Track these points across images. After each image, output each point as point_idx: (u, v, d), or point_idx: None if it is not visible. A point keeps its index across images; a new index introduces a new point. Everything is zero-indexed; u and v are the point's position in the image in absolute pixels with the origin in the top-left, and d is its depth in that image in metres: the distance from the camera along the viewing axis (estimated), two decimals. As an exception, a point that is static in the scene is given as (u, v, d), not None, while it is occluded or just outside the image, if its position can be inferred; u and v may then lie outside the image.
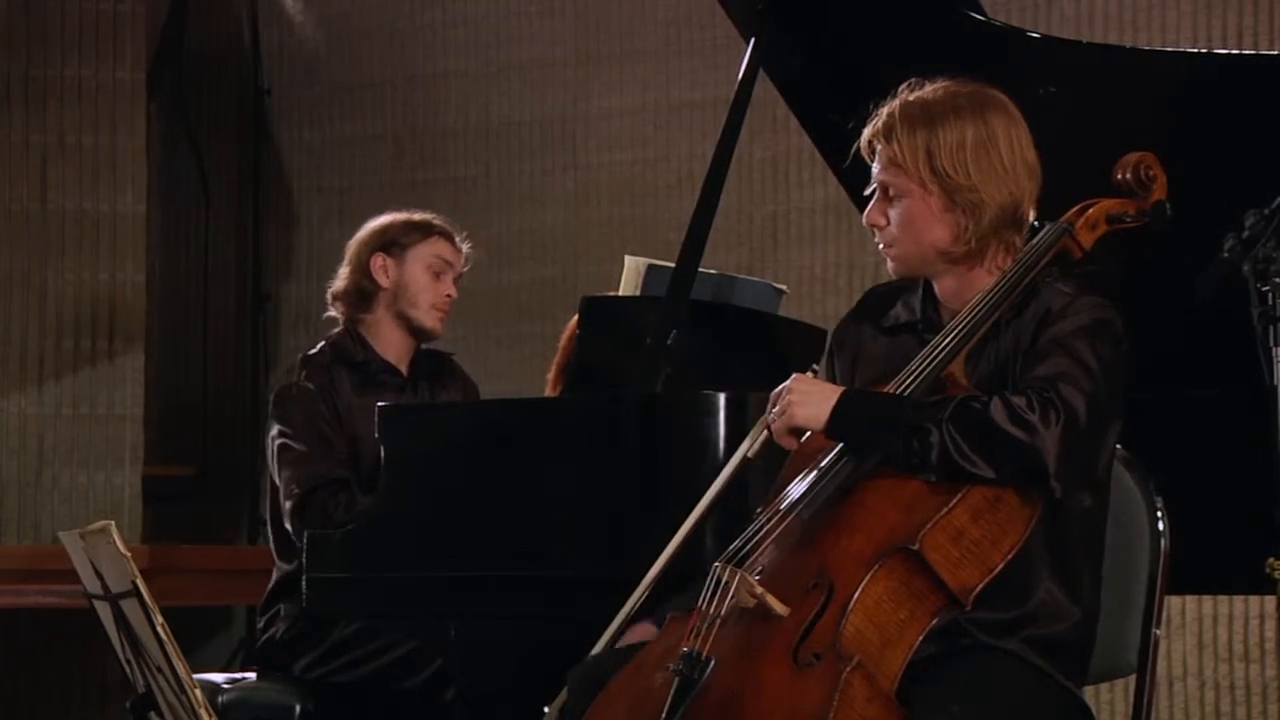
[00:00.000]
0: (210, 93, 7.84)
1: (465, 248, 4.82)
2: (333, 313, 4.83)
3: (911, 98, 3.22)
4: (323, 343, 4.79)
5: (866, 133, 3.25)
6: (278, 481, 4.63)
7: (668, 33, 7.11)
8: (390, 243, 4.74)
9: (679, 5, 7.06)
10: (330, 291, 4.82)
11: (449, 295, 4.76)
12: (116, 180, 7.18)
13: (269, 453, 4.68)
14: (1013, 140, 3.19)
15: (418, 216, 4.81)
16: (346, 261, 4.80)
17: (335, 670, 4.59)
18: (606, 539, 3.90)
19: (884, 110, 3.23)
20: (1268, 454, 3.12)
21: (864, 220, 3.28)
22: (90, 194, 7.16)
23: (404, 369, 4.78)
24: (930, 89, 3.23)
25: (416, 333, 4.76)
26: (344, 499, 4.50)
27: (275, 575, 4.72)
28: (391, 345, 4.76)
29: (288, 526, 4.58)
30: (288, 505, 4.56)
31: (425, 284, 4.74)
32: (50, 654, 7.16)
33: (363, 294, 4.76)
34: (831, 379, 3.37)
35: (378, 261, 4.73)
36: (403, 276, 4.73)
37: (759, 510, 3.19)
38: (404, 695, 4.57)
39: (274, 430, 4.66)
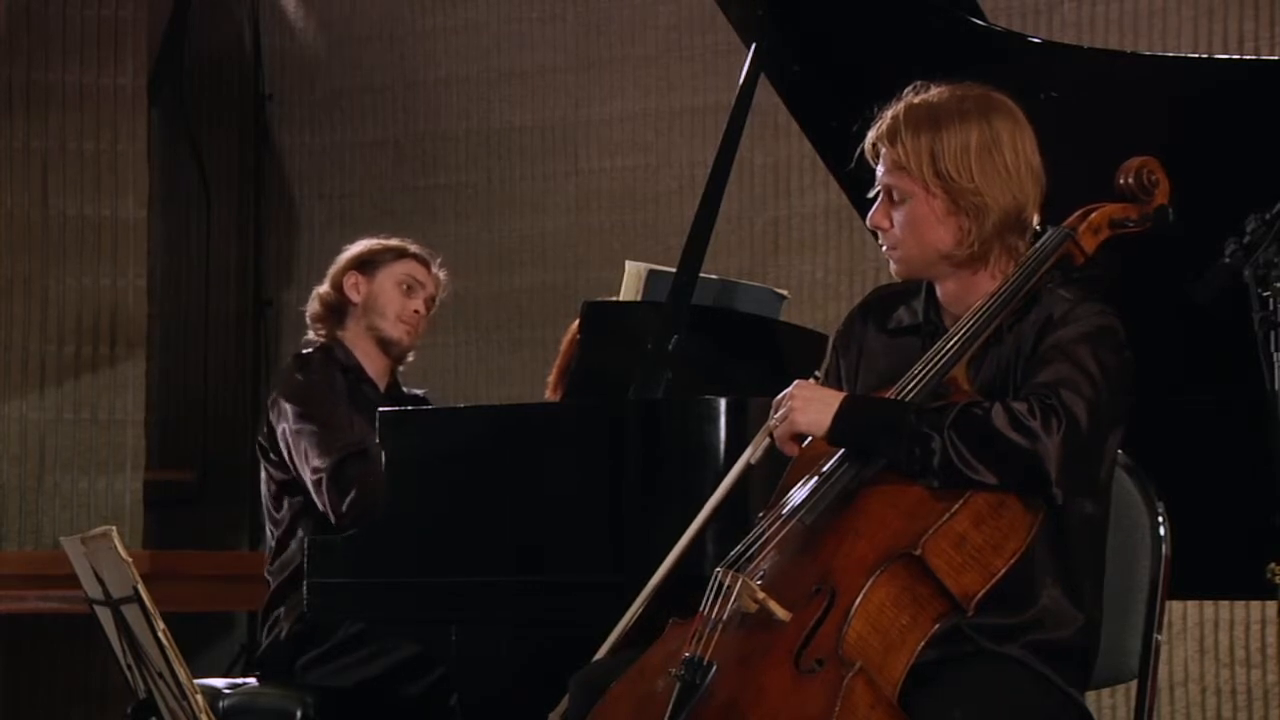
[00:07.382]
0: (211, 98, 7.84)
1: (441, 274, 4.88)
2: (312, 335, 4.89)
3: (917, 100, 3.21)
4: (310, 349, 4.82)
5: (871, 135, 3.24)
6: (295, 455, 4.60)
7: (668, 38, 7.10)
8: (364, 263, 4.84)
9: (680, 11, 7.06)
10: (308, 315, 4.88)
11: (417, 311, 4.82)
12: (118, 186, 7.19)
13: (280, 432, 4.65)
14: (1017, 144, 3.19)
15: (394, 241, 4.90)
16: (323, 283, 4.87)
17: (339, 670, 4.59)
18: (608, 544, 3.90)
19: (889, 113, 3.22)
20: (1268, 459, 3.11)
21: (868, 222, 3.27)
22: (92, 199, 7.16)
23: (381, 387, 4.82)
24: (935, 92, 3.22)
25: (385, 346, 4.81)
26: (372, 471, 4.48)
27: (274, 581, 4.72)
28: (369, 361, 4.81)
29: (318, 500, 4.56)
30: (316, 480, 4.54)
31: (393, 297, 4.80)
32: (51, 659, 7.15)
33: (334, 311, 4.83)
34: (835, 376, 3.37)
35: (350, 280, 4.82)
36: (372, 290, 4.81)
37: (761, 515, 3.19)
38: (406, 701, 4.57)
39: (288, 409, 4.64)
